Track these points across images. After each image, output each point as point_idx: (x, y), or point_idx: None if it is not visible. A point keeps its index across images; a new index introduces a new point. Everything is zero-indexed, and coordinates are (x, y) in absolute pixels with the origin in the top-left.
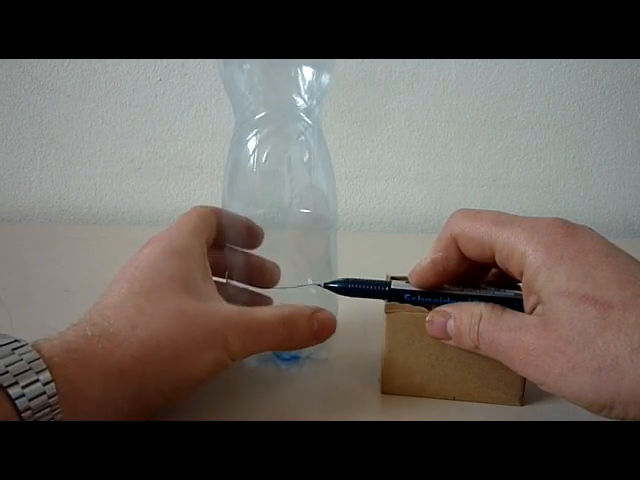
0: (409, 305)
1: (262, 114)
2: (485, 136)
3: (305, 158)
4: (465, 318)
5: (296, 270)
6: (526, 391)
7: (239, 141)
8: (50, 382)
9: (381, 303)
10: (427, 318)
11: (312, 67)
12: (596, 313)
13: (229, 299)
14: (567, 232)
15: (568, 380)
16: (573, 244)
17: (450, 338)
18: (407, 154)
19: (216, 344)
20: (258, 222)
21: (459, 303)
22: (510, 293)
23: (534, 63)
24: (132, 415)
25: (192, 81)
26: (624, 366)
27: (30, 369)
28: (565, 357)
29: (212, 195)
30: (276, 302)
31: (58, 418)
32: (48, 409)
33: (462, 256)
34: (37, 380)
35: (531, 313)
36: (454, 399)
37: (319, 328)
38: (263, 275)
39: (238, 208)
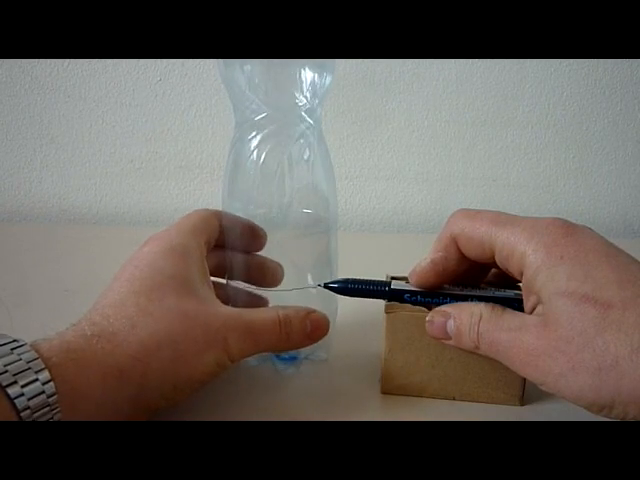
0: (409, 305)
1: (263, 114)
2: (485, 136)
3: (306, 158)
4: (465, 318)
5: (296, 270)
6: (526, 391)
7: (240, 141)
8: (49, 381)
9: (381, 303)
10: (427, 318)
11: (313, 67)
12: (596, 313)
13: (227, 300)
14: (567, 232)
15: (568, 380)
16: (573, 244)
17: (450, 338)
18: (407, 154)
19: (217, 345)
20: (258, 222)
21: (459, 303)
22: (510, 293)
23: (534, 63)
24: (132, 415)
25: (192, 81)
26: (624, 366)
27: (29, 369)
28: (565, 357)
29: (212, 195)
30: (275, 303)
31: (57, 418)
32: (47, 408)
33: (462, 256)
34: (36, 379)
35: (531, 313)
36: (454, 399)
37: (312, 329)
38: (265, 274)
39: (238, 208)
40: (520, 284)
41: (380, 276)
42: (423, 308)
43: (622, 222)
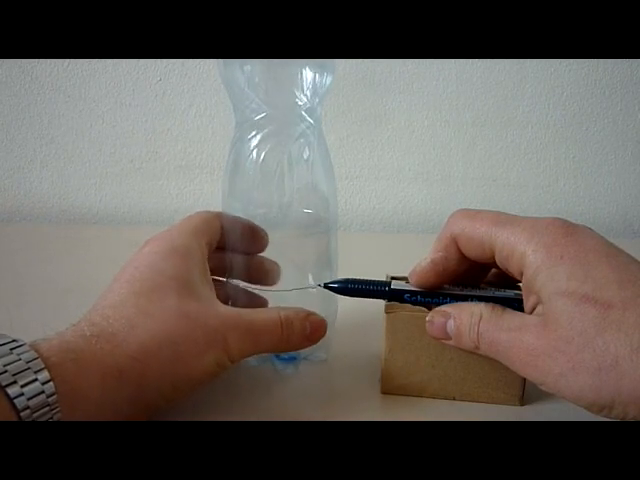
0: (409, 305)
1: (263, 114)
2: (485, 136)
3: (305, 157)
4: (465, 318)
5: (296, 270)
6: (526, 391)
7: (240, 141)
8: (49, 381)
9: (381, 303)
10: (427, 318)
11: (313, 67)
12: (596, 313)
13: (227, 299)
14: (567, 232)
15: (568, 380)
16: (573, 244)
17: (450, 338)
18: (407, 154)
19: (217, 345)
20: (258, 222)
21: (459, 303)
22: (510, 293)
23: (534, 63)
24: (132, 415)
25: (192, 81)
26: (624, 366)
27: (28, 368)
28: (565, 357)
29: (212, 195)
30: (275, 303)
31: (57, 418)
32: (47, 408)
33: (462, 256)
34: (36, 379)
35: (531, 313)
36: (454, 399)
37: (311, 330)
38: (263, 275)
39: (238, 208)
40: (520, 284)
41: (380, 276)
42: (423, 308)
43: (622, 222)
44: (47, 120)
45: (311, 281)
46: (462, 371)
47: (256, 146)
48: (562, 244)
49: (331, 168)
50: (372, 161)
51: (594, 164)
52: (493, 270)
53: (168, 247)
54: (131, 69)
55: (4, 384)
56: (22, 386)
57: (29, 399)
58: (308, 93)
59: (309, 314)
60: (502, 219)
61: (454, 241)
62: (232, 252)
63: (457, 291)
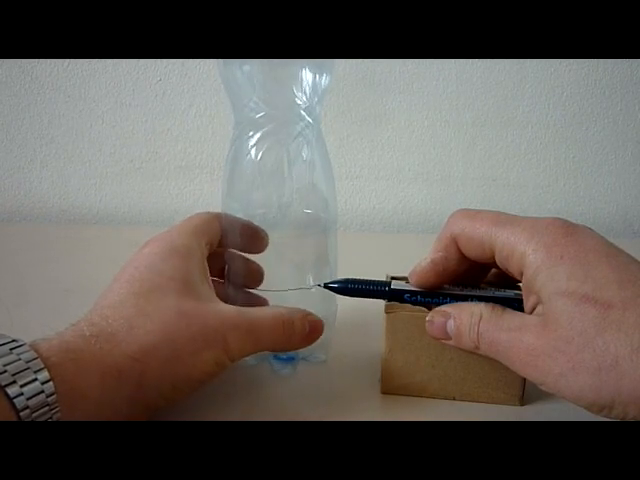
0: (409, 305)
1: (262, 113)
2: (485, 136)
3: (305, 157)
4: (465, 318)
5: (295, 270)
6: (526, 391)
7: (238, 140)
8: (48, 381)
9: (381, 303)
10: (427, 318)
11: (312, 66)
12: (596, 313)
13: (227, 299)
14: (567, 232)
15: (568, 380)
16: (573, 244)
17: (450, 338)
18: (407, 154)
19: (216, 344)
20: (258, 222)
21: (459, 303)
22: (510, 293)
23: (534, 63)
24: (131, 415)
25: (192, 81)
26: (624, 366)
27: (28, 368)
28: (565, 357)
29: (212, 195)
30: (274, 303)
31: (56, 417)
32: (46, 408)
33: (462, 256)
34: (35, 379)
35: (531, 313)
36: (454, 399)
37: (310, 330)
38: (257, 276)
39: (237, 208)
40: (520, 284)
41: (380, 276)
42: (423, 308)
43: (622, 222)
44: (47, 120)
45: (310, 281)
46: (462, 371)
47: (255, 145)
48: (562, 244)
49: (330, 167)
50: (372, 161)
51: (594, 164)
52: (493, 270)
53: (168, 247)
54: (131, 69)
55: (4, 384)
56: (22, 386)
57: (28, 399)
58: (307, 92)
59: (307, 314)
60: (502, 219)
61: (454, 241)
62: (230, 252)
63: (457, 291)
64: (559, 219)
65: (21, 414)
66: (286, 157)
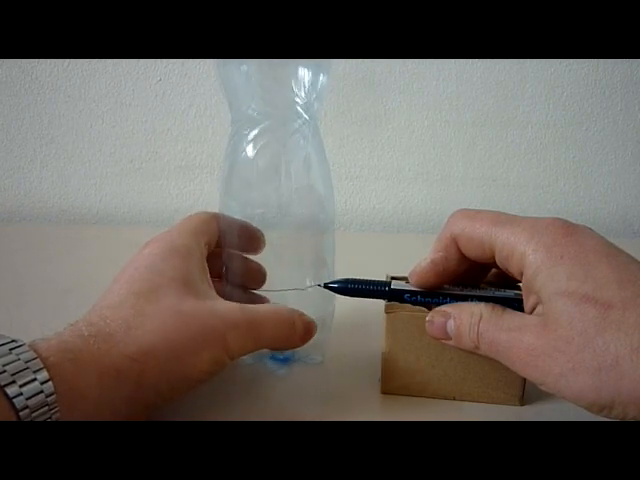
0: (409, 305)
1: (259, 111)
2: (485, 136)
3: (302, 156)
4: (465, 318)
5: (294, 270)
6: (526, 391)
7: (236, 137)
8: (48, 381)
9: (381, 303)
10: (427, 318)
11: (309, 65)
12: (596, 313)
13: (226, 299)
14: (567, 232)
15: (568, 380)
16: (573, 244)
17: (450, 338)
18: (407, 154)
19: (215, 343)
20: (256, 222)
21: (459, 303)
22: (510, 293)
23: (534, 63)
24: (130, 415)
25: (192, 81)
26: (624, 366)
27: (27, 368)
28: (565, 357)
29: (212, 195)
30: (272, 302)
31: (55, 417)
32: (46, 408)
33: (462, 256)
34: (34, 379)
35: (531, 313)
36: (454, 399)
37: (305, 330)
38: (255, 276)
39: (235, 206)
40: (520, 284)
41: (380, 276)
42: (423, 308)
43: (622, 222)
44: (47, 120)
45: (309, 281)
46: (462, 371)
47: (252, 142)
48: (562, 244)
49: (327, 166)
50: (372, 161)
51: (594, 164)
52: (493, 270)
53: (168, 248)
54: (131, 69)
55: (3, 384)
56: (21, 386)
57: (28, 399)
58: (304, 90)
59: (301, 314)
60: (502, 219)
61: (454, 241)
62: (228, 252)
63: (457, 291)
64: (559, 219)
65: (20, 414)
66: (283, 156)
